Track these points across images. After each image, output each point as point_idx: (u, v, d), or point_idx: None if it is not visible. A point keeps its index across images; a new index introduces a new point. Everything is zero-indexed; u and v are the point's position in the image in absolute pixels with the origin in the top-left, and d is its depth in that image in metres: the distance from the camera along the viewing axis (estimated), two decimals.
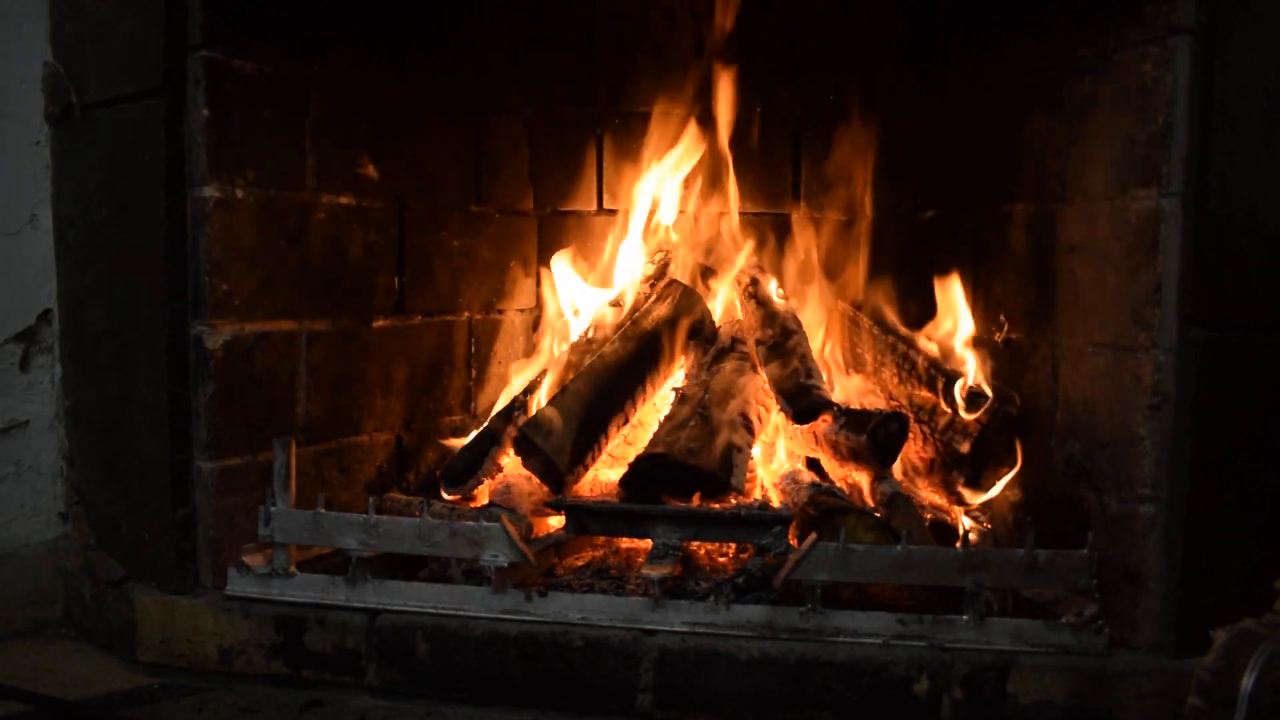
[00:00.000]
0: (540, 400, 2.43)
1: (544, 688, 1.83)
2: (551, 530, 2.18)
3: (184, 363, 1.97)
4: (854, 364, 2.65)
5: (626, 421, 2.42)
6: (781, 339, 2.40)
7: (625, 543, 2.21)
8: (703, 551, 2.18)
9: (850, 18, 2.74)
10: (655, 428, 2.38)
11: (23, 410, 2.22)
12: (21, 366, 2.21)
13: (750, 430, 2.30)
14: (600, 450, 2.35)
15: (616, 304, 2.68)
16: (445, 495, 2.33)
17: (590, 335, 2.62)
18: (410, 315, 2.44)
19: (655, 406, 2.55)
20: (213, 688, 1.90)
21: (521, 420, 2.36)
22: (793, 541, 2.01)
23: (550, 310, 2.84)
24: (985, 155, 2.29)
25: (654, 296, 2.59)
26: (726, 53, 2.78)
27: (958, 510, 2.20)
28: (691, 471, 2.12)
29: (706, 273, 2.80)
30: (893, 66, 2.71)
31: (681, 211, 2.88)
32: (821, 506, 2.04)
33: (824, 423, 2.29)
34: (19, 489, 2.22)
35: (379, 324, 2.35)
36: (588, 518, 2.11)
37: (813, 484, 2.23)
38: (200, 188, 1.95)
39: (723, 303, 2.75)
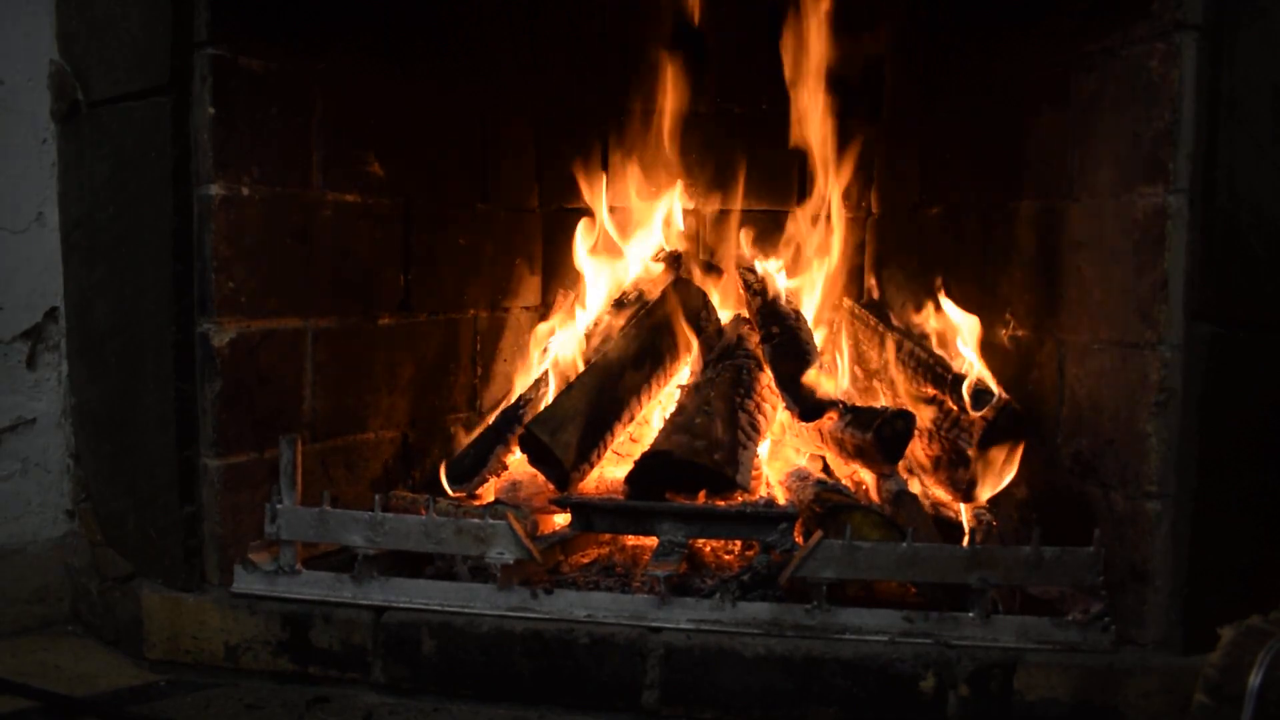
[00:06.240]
0: (546, 397, 2.44)
1: (550, 685, 1.83)
2: (557, 527, 2.18)
3: (190, 360, 1.97)
4: (860, 361, 2.64)
5: (632, 419, 2.42)
6: (787, 336, 2.40)
7: (631, 540, 2.21)
8: (708, 549, 2.18)
9: (854, 17, 2.74)
10: (660, 425, 2.38)
11: (30, 408, 2.22)
12: (29, 364, 2.22)
13: (756, 427, 2.30)
14: (605, 447, 2.35)
15: (622, 301, 2.68)
16: (451, 492, 2.33)
17: (595, 332, 2.62)
18: (416, 313, 2.44)
19: (660, 404, 2.55)
20: (219, 684, 1.91)
21: (527, 417, 2.36)
22: (798, 539, 2.01)
23: (556, 307, 2.84)
24: (991, 152, 2.29)
25: (659, 294, 2.59)
26: (731, 51, 2.78)
27: (964, 507, 2.20)
28: (697, 469, 2.12)
29: (712, 270, 2.80)
30: (897, 64, 2.71)
31: (688, 210, 2.88)
32: (827, 504, 2.04)
33: (829, 420, 2.29)
34: (26, 486, 2.22)
35: (385, 321, 2.35)
36: (593, 515, 2.10)
37: (818, 481, 2.22)
38: (206, 185, 1.95)
39: (728, 300, 2.75)
